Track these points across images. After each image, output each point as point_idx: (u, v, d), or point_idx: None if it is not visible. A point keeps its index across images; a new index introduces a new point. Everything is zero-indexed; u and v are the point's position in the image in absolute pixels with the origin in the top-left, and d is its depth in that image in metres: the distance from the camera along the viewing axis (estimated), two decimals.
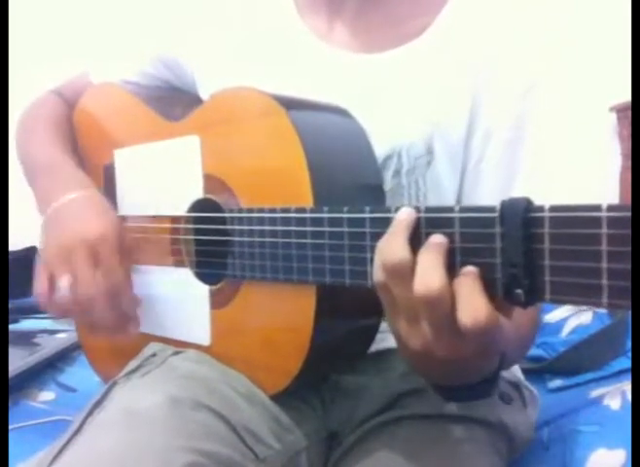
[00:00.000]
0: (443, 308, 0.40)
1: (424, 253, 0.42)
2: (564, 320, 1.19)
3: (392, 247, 0.43)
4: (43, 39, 2.20)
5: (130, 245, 0.69)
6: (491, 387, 0.51)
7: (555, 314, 1.19)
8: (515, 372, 0.75)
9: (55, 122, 0.85)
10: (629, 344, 1.07)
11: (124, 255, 0.66)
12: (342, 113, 0.62)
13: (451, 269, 0.41)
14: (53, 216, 0.69)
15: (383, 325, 0.60)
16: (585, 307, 1.20)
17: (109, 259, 0.64)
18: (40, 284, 0.65)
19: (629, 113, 1.74)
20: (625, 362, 1.03)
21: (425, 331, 0.42)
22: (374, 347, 0.65)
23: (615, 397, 0.89)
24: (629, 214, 0.32)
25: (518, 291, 0.38)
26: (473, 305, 0.39)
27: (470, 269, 0.40)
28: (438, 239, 0.42)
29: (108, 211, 0.69)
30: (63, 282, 0.63)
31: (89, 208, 0.69)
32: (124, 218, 0.77)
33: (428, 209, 0.43)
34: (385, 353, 0.68)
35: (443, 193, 0.67)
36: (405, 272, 0.42)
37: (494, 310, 0.39)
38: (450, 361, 0.44)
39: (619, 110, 1.89)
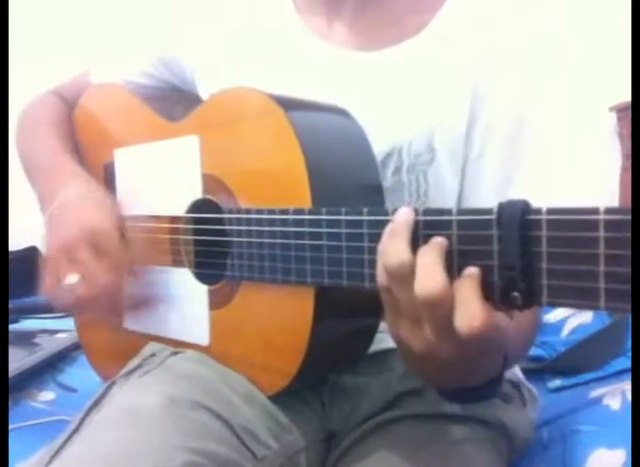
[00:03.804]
0: (443, 310, 0.40)
1: (424, 254, 0.41)
2: (564, 320, 1.19)
3: (394, 249, 0.42)
4: (43, 39, 2.21)
5: (131, 237, 0.69)
6: (496, 388, 0.51)
7: (555, 314, 1.19)
8: (516, 371, 0.75)
9: (55, 122, 0.85)
10: (629, 344, 1.06)
11: (126, 244, 0.66)
12: (341, 113, 0.62)
13: (449, 271, 0.40)
14: (55, 213, 0.69)
15: (382, 325, 0.60)
16: None
17: (111, 249, 0.64)
18: (45, 281, 0.66)
19: (629, 113, 1.73)
20: (625, 362, 1.03)
21: (427, 333, 0.42)
22: (374, 348, 0.64)
23: (615, 397, 0.89)
24: (627, 217, 0.32)
25: (515, 294, 0.37)
26: (469, 310, 0.39)
27: (470, 271, 0.40)
28: (438, 240, 0.41)
29: (107, 204, 0.69)
30: (70, 279, 0.63)
31: (89, 202, 0.69)
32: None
33: (425, 211, 0.43)
34: (384, 353, 0.68)
35: (445, 190, 0.67)
36: (406, 274, 0.41)
37: (491, 316, 0.39)
38: (453, 363, 0.43)
39: (619, 110, 1.89)
